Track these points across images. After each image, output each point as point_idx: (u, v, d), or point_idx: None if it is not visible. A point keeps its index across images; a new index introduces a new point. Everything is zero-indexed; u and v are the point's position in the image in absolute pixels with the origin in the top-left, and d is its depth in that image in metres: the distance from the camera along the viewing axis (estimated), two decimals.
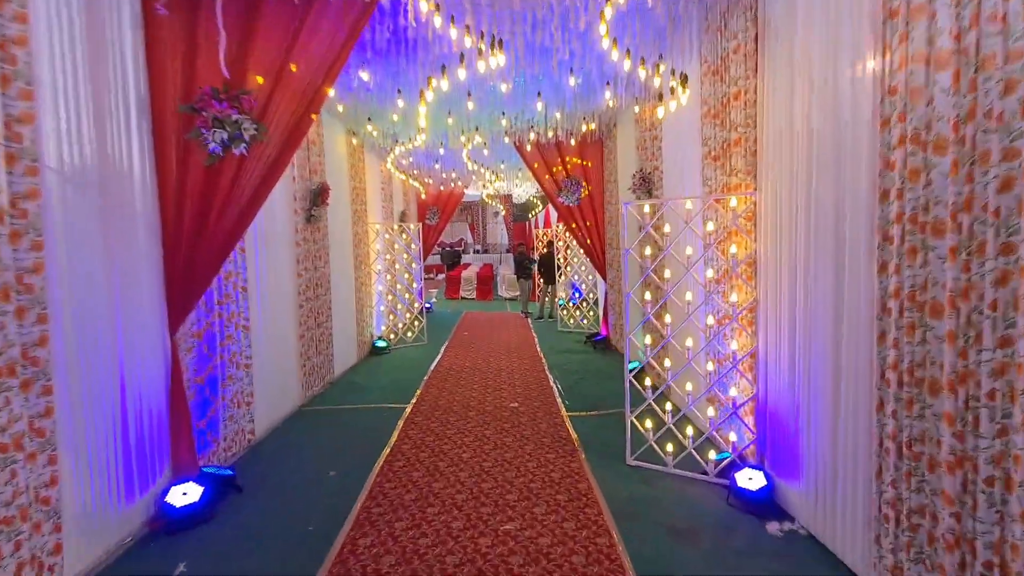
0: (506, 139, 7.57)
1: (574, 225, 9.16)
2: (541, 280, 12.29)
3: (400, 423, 5.29)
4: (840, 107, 2.76)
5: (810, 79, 3.00)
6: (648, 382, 4.26)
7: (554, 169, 8.95)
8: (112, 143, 3.13)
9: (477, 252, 24.73)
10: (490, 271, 17.60)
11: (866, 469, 2.66)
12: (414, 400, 6.07)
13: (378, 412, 5.69)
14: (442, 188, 12.82)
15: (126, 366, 3.22)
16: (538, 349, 8.84)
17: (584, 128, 7.01)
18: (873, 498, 2.57)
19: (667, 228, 4.09)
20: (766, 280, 3.61)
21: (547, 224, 16.03)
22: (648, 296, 4.19)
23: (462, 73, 3.62)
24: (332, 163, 7.06)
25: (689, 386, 4.06)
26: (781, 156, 3.35)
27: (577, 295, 11.02)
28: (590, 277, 10.73)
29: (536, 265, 12.74)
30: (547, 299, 12.13)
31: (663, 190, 5.77)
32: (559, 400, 6.02)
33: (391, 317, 9.56)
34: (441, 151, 8.09)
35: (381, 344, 8.68)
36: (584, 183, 8.86)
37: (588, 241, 9.14)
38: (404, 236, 10.08)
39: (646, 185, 6.17)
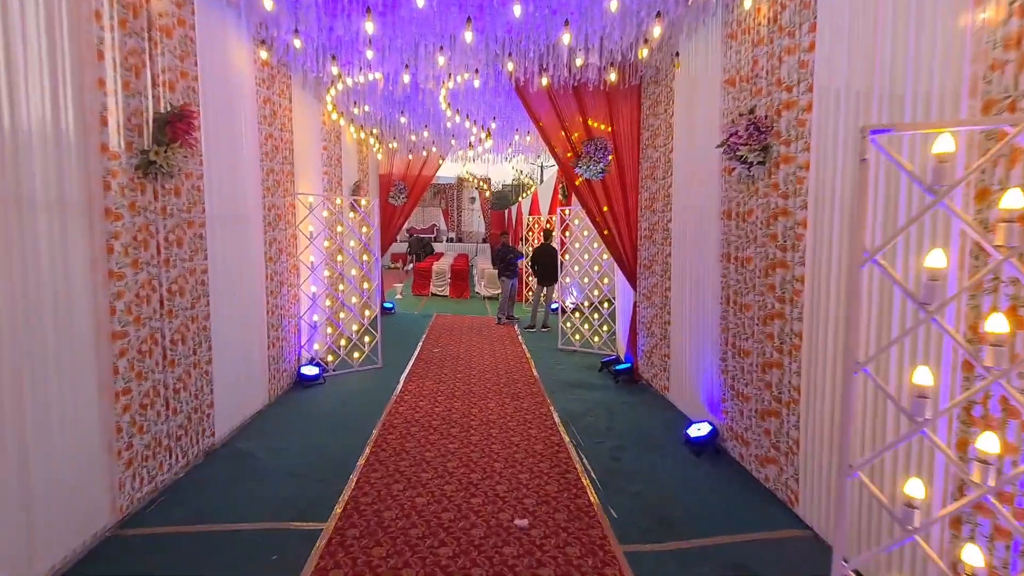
0: (509, 65, 4.82)
1: (591, 209, 6.55)
2: (533, 279, 9.61)
3: None
4: None
5: None
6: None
7: (574, 136, 6.29)
8: None
9: (451, 240, 22.13)
10: (466, 263, 14.88)
11: None
12: (340, 507, 3.35)
13: (263, 551, 2.95)
14: (411, 157, 9.98)
15: None
16: (538, 380, 6.21)
17: (643, 51, 4.27)
18: None
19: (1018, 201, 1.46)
20: None
21: (534, 210, 13.30)
22: (928, 376, 1.58)
23: None
24: (219, 82, 4.21)
25: None
26: None
27: (569, 301, 8.35)
28: (605, 281, 8.11)
29: (527, 260, 10.04)
30: (541, 304, 9.44)
31: (811, 141, 3.17)
32: (596, 502, 3.42)
33: (330, 330, 6.76)
34: (406, 79, 5.29)
35: (310, 372, 5.90)
36: (612, 148, 6.26)
37: (606, 232, 6.53)
38: (353, 214, 7.28)
39: (760, 137, 3.57)
